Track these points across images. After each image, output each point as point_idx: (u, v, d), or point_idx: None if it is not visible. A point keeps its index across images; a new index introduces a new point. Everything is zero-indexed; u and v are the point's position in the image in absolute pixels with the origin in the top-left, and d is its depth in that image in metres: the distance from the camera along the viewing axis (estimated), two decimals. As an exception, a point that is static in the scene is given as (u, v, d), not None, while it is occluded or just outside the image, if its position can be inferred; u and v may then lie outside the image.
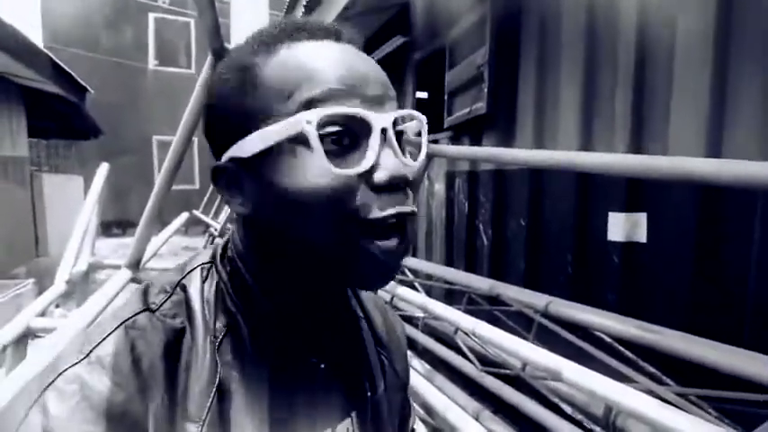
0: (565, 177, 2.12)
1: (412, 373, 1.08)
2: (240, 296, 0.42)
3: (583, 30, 2.05)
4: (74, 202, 5.93)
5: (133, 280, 1.96)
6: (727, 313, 1.52)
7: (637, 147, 1.80)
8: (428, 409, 1.74)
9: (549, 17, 2.27)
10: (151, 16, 10.44)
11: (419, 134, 0.44)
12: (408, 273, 2.67)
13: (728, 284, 1.53)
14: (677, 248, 1.66)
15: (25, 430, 0.33)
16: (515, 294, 2.00)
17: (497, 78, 2.53)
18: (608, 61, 1.94)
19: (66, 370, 0.35)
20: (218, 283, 0.43)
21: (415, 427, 0.62)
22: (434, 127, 3.08)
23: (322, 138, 0.35)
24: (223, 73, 0.41)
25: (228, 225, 6.42)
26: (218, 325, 0.40)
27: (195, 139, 2.55)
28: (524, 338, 1.59)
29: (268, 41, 0.40)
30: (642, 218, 1.78)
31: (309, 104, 0.36)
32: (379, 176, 0.37)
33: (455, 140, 3.01)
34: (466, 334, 1.70)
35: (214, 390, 0.37)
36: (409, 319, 2.37)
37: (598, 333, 1.65)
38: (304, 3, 4.10)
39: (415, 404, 0.62)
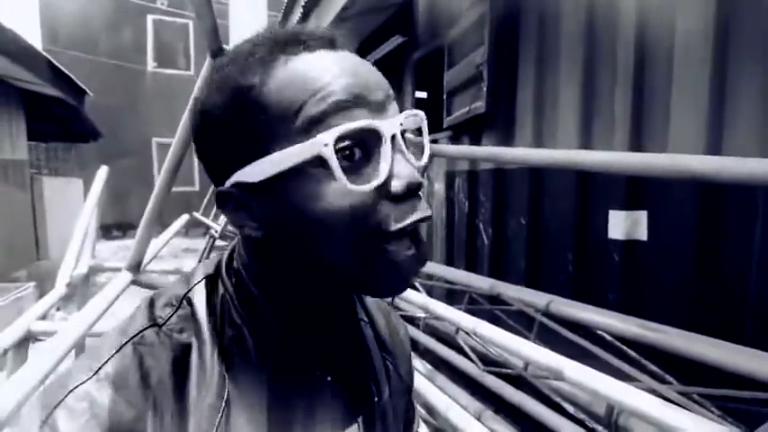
0: (565, 176, 2.12)
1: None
2: (246, 308, 0.42)
3: (582, 29, 2.05)
4: (74, 204, 5.93)
5: (134, 282, 1.96)
6: (728, 311, 1.52)
7: (636, 145, 1.80)
8: (430, 410, 1.74)
9: (548, 16, 2.26)
10: (149, 18, 10.44)
11: (418, 130, 0.44)
12: (409, 273, 2.66)
13: (729, 282, 1.52)
14: (678, 246, 1.66)
15: None
16: (516, 294, 2.00)
17: (496, 78, 2.53)
18: (607, 60, 1.94)
19: (75, 388, 0.35)
20: (224, 296, 0.42)
21: (418, 429, 0.62)
22: (434, 127, 3.08)
23: (336, 156, 0.35)
24: (215, 96, 0.39)
25: (229, 227, 6.42)
26: (224, 338, 0.40)
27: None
28: (526, 338, 1.58)
29: (262, 58, 0.38)
30: (643, 216, 1.78)
31: (317, 121, 0.35)
32: (396, 187, 0.37)
33: (454, 140, 3.01)
34: (467, 334, 1.70)
35: (223, 405, 0.37)
36: (410, 320, 2.37)
37: (599, 332, 1.65)
38: (302, 3, 4.10)
39: (417, 404, 0.62)
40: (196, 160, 10.59)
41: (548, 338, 1.71)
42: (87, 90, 6.00)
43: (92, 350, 0.39)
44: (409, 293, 2.07)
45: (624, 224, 1.83)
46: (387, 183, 0.36)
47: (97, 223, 2.90)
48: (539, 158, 1.62)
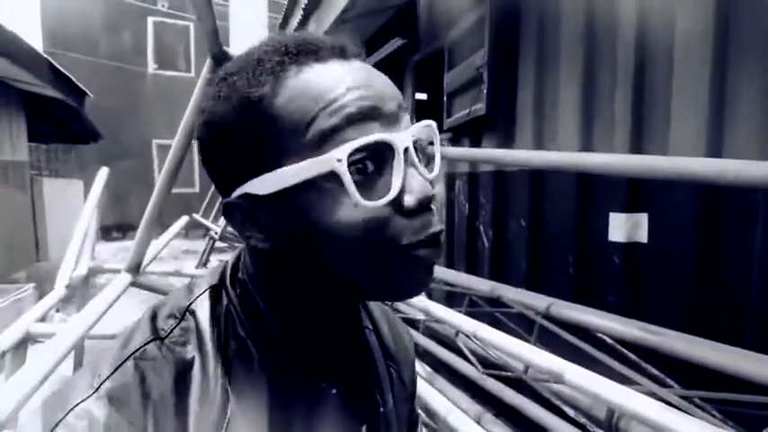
0: (565, 178, 2.12)
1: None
2: (251, 320, 0.41)
3: (582, 30, 2.05)
4: (74, 206, 5.93)
5: (133, 284, 1.95)
6: (729, 314, 1.51)
7: (637, 147, 1.80)
8: (429, 413, 1.73)
9: (548, 18, 2.26)
10: (150, 20, 10.46)
11: (430, 141, 0.43)
12: (409, 275, 2.65)
13: (730, 285, 1.52)
14: (679, 249, 1.66)
15: None
16: (516, 296, 2.00)
17: (497, 80, 2.53)
18: (607, 62, 1.94)
19: (76, 405, 0.34)
20: (228, 307, 0.42)
21: None
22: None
23: (349, 170, 0.34)
24: (223, 106, 0.38)
25: (229, 229, 6.42)
26: (228, 351, 0.39)
27: (195, 143, 2.54)
28: (526, 340, 1.58)
29: (273, 68, 0.37)
30: (643, 218, 1.78)
31: (329, 134, 0.35)
32: (409, 201, 0.36)
33: (455, 142, 3.01)
34: (467, 336, 1.69)
35: (226, 421, 0.37)
36: (410, 322, 2.37)
37: (600, 335, 1.64)
38: (303, 6, 4.11)
39: (417, 408, 0.62)
40: (196, 162, 10.67)
41: (548, 341, 1.70)
42: (88, 92, 6.01)
43: (93, 364, 0.38)
44: (409, 296, 2.06)
45: (625, 226, 1.83)
46: (399, 197, 0.36)
47: (97, 224, 2.90)
48: (539, 161, 1.62)
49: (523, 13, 2.44)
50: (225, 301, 0.42)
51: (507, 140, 2.52)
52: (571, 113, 2.11)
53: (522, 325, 1.98)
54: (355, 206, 0.35)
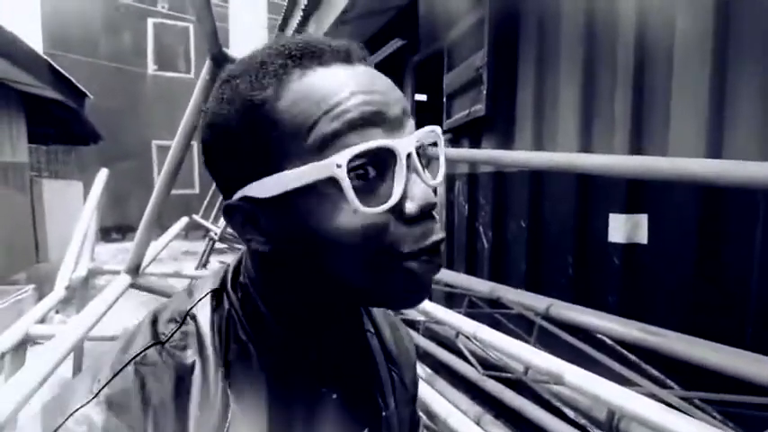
0: (565, 179, 2.12)
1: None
2: (252, 324, 0.41)
3: (581, 31, 2.05)
4: (73, 207, 5.93)
5: (133, 285, 1.95)
6: (729, 315, 1.51)
7: (637, 147, 1.80)
8: (429, 414, 1.73)
9: (548, 19, 2.27)
10: (150, 21, 10.47)
11: (434, 143, 0.43)
12: (409, 276, 2.65)
13: (730, 285, 1.52)
14: (678, 249, 1.65)
15: None
16: (516, 297, 1.99)
17: (496, 80, 2.53)
18: (607, 62, 1.94)
19: (75, 411, 0.34)
20: (230, 311, 0.41)
21: None
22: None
23: (349, 175, 0.34)
24: (226, 108, 0.38)
25: (229, 230, 6.42)
26: (229, 356, 0.39)
27: (194, 144, 2.55)
28: (526, 342, 1.58)
29: (276, 71, 0.37)
30: (643, 219, 1.77)
31: (330, 139, 0.34)
32: (410, 208, 0.36)
33: (454, 143, 3.01)
34: (467, 337, 1.69)
35: (227, 427, 0.37)
36: (410, 324, 2.36)
37: (600, 336, 1.64)
38: (302, 7, 4.11)
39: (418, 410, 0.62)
40: (196, 163, 10.70)
41: (548, 342, 1.70)
42: (88, 93, 6.01)
43: (93, 368, 0.38)
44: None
45: (624, 227, 1.83)
46: (400, 204, 0.36)
47: (97, 226, 2.90)
48: (539, 161, 1.62)
49: (523, 14, 2.44)
50: (226, 305, 0.42)
51: (507, 141, 2.52)
52: (571, 114, 2.11)
53: (521, 326, 1.98)
54: (354, 212, 0.34)
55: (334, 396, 0.43)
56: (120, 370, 0.36)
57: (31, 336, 1.73)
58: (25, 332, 1.71)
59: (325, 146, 0.34)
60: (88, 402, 0.34)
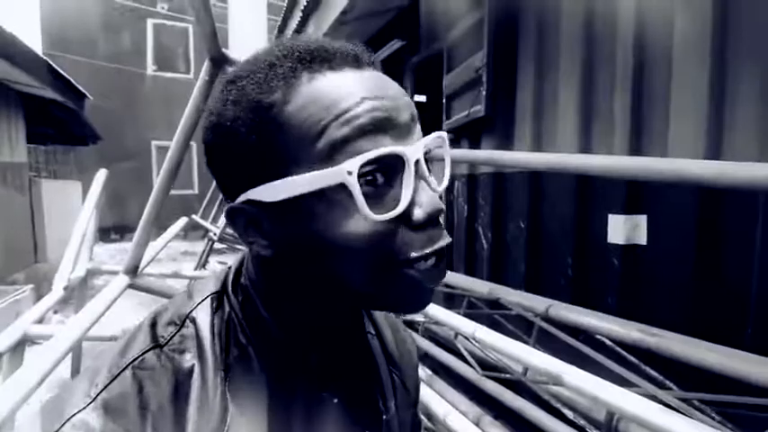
0: (564, 180, 2.12)
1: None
2: (252, 328, 0.40)
3: (581, 32, 2.05)
4: (72, 207, 5.93)
5: (131, 286, 1.95)
6: (728, 315, 1.51)
7: (636, 148, 1.80)
8: (429, 415, 1.73)
9: (547, 20, 2.27)
10: (149, 22, 10.48)
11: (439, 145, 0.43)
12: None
13: (730, 286, 1.52)
14: (678, 250, 1.66)
15: None
16: (515, 298, 1.99)
17: (496, 81, 2.53)
18: (606, 63, 1.94)
19: (73, 416, 0.34)
20: (230, 314, 0.41)
21: None
22: (433, 130, 3.07)
23: (359, 182, 0.34)
24: (232, 110, 0.37)
25: (228, 230, 6.42)
26: (229, 359, 0.39)
27: (193, 144, 2.54)
28: (525, 342, 1.58)
29: (285, 74, 0.36)
30: (642, 220, 1.78)
31: (340, 145, 0.34)
32: (417, 215, 0.36)
33: (454, 143, 3.01)
34: (466, 338, 1.69)
35: (225, 430, 0.36)
36: (409, 324, 2.36)
37: (599, 337, 1.64)
38: (301, 8, 4.11)
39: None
40: (195, 163, 10.68)
41: (547, 343, 1.70)
42: (87, 93, 6.01)
43: (90, 371, 0.37)
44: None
45: (624, 228, 1.83)
46: (408, 210, 0.36)
47: (95, 226, 2.90)
48: (538, 162, 1.62)
49: (522, 15, 2.44)
50: (227, 308, 0.41)
51: (506, 142, 2.52)
52: (570, 115, 2.12)
53: (521, 327, 1.98)
54: (364, 219, 0.34)
55: (335, 400, 0.43)
56: (118, 374, 0.36)
57: (29, 336, 1.73)
58: (23, 332, 1.71)
59: (335, 151, 0.34)
60: (86, 407, 0.34)
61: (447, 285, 2.42)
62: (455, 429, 1.55)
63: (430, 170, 0.38)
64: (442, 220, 0.38)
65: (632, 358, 1.54)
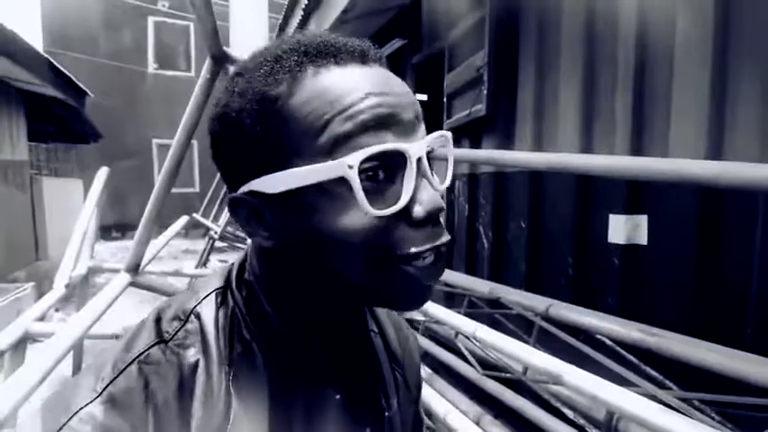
0: (565, 179, 2.12)
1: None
2: (256, 323, 0.41)
3: (582, 32, 2.05)
4: (73, 205, 5.93)
5: (132, 284, 1.95)
6: (728, 315, 1.51)
7: (637, 148, 1.80)
8: (429, 414, 1.73)
9: (548, 19, 2.27)
10: (150, 20, 10.47)
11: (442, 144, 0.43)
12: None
13: (730, 286, 1.52)
14: (678, 250, 1.66)
15: None
16: (516, 297, 2.00)
17: (497, 81, 2.53)
18: (607, 63, 1.94)
19: (79, 410, 0.34)
20: (234, 309, 0.41)
21: None
22: (433, 129, 3.07)
23: (360, 176, 0.34)
24: (238, 101, 0.37)
25: (229, 229, 6.42)
26: (233, 354, 0.39)
27: (195, 142, 2.54)
28: (525, 342, 1.58)
29: (290, 68, 0.36)
30: (643, 220, 1.78)
31: (343, 139, 0.34)
32: (417, 212, 0.36)
33: (455, 143, 2.98)
34: (466, 337, 1.69)
35: (229, 426, 0.37)
36: (410, 323, 2.36)
37: (599, 336, 1.64)
38: (302, 6, 4.11)
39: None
40: (196, 161, 10.68)
41: (547, 343, 1.70)
42: (88, 91, 6.01)
43: (96, 366, 0.38)
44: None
45: (624, 228, 1.83)
46: (408, 207, 0.36)
47: (96, 224, 2.90)
48: (539, 162, 1.62)
49: (523, 15, 2.44)
50: (230, 304, 0.42)
51: (507, 141, 2.52)
52: (571, 114, 2.12)
53: (521, 326, 1.98)
54: (364, 213, 0.35)
55: (337, 396, 0.43)
56: (124, 369, 0.36)
57: (30, 333, 1.74)
58: (25, 330, 1.72)
59: (337, 145, 0.34)
60: (92, 401, 0.34)
61: (448, 285, 2.43)
62: (455, 428, 1.55)
63: (432, 168, 0.38)
64: (442, 218, 0.38)
65: (632, 358, 1.54)
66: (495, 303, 2.09)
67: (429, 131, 0.40)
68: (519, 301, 1.95)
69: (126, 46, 10.15)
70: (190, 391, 0.37)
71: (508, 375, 1.73)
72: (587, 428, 1.52)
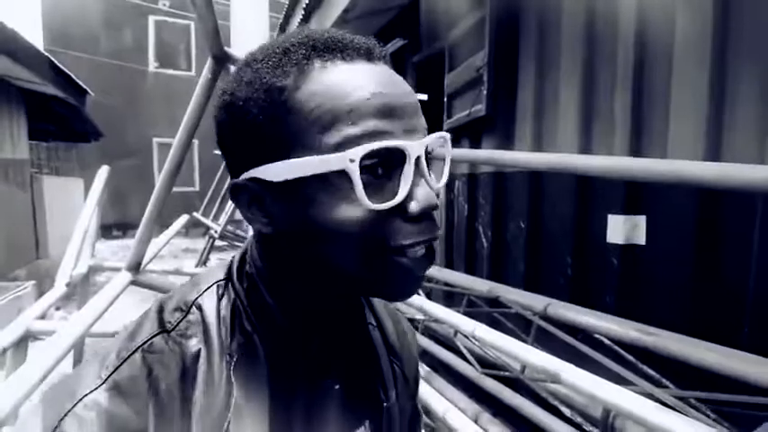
0: (564, 180, 2.13)
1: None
2: (257, 315, 0.42)
3: (582, 32, 2.05)
4: (74, 204, 5.94)
5: (133, 282, 1.96)
6: (725, 315, 1.52)
7: (636, 148, 1.81)
8: (428, 412, 1.74)
9: (548, 19, 2.27)
10: (151, 19, 10.47)
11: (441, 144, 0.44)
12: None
13: (727, 286, 1.53)
14: (676, 250, 1.66)
15: None
16: (515, 296, 2.00)
17: (497, 81, 2.54)
18: (607, 63, 1.95)
19: (84, 396, 0.35)
20: (235, 301, 0.42)
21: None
22: (433, 129, 3.07)
23: (360, 171, 0.35)
24: (245, 90, 0.38)
25: (229, 228, 6.43)
26: (234, 345, 0.40)
27: (195, 141, 2.55)
28: (524, 341, 1.59)
29: (297, 61, 0.37)
30: (641, 220, 1.78)
31: (346, 135, 0.35)
32: (413, 208, 0.37)
33: (454, 143, 3.01)
34: (465, 336, 1.70)
35: (230, 415, 0.38)
36: (409, 322, 2.37)
37: (597, 335, 1.65)
38: (303, 6, 4.11)
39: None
40: (197, 161, 10.67)
41: (546, 341, 1.71)
42: (88, 90, 6.01)
43: (100, 355, 0.39)
44: (408, 295, 2.06)
45: (623, 228, 1.84)
46: (404, 203, 0.37)
47: (97, 223, 2.91)
48: (538, 162, 1.63)
49: (523, 15, 2.45)
50: (232, 295, 0.43)
51: (507, 141, 2.52)
52: (571, 115, 2.12)
53: (520, 325, 1.99)
54: (361, 206, 0.36)
55: (336, 387, 0.44)
56: (128, 357, 0.37)
57: (32, 332, 1.74)
58: (26, 328, 1.72)
59: (340, 140, 0.35)
60: (97, 388, 0.35)
61: (447, 284, 2.44)
62: (454, 426, 1.56)
63: (430, 167, 0.39)
64: (436, 215, 0.40)
65: (630, 357, 1.55)
66: (494, 302, 2.09)
67: (429, 131, 0.41)
68: (518, 301, 1.96)
69: (127, 45, 10.16)
70: (192, 379, 0.38)
71: (507, 374, 1.73)
72: (585, 426, 1.52)
